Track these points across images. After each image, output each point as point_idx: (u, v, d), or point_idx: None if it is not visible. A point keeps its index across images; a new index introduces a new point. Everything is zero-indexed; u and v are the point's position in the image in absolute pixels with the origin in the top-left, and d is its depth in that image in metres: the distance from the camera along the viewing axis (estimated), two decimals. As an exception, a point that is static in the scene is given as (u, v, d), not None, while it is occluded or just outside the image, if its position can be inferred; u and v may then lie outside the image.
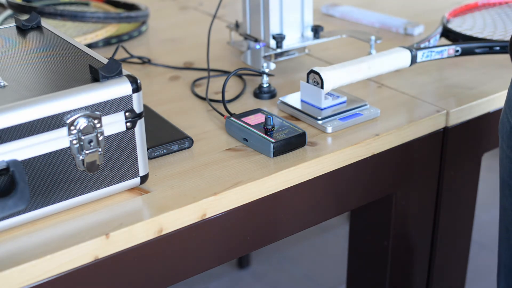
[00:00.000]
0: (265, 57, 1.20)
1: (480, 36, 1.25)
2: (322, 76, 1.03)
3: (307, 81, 1.06)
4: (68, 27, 1.41)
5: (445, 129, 1.10)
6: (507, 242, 0.96)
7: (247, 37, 1.26)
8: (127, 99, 0.82)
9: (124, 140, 0.84)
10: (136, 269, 0.85)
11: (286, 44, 1.21)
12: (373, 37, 1.25)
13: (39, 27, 1.00)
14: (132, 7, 1.49)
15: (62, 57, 0.90)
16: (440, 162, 1.12)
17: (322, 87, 1.03)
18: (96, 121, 0.80)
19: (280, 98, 1.09)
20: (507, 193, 0.94)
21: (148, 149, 0.92)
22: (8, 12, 1.46)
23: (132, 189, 0.88)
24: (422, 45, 1.18)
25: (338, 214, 1.06)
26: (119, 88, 0.81)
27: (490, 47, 1.18)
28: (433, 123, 1.07)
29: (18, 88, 0.81)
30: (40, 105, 0.77)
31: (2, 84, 0.82)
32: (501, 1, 1.44)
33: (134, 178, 0.86)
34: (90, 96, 0.79)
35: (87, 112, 0.79)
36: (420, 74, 1.21)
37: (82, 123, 0.79)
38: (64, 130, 0.79)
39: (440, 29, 1.26)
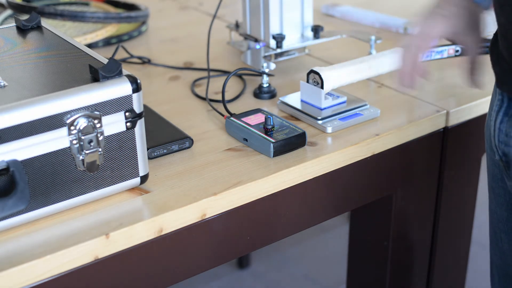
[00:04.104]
0: (265, 57, 1.20)
1: (480, 36, 1.25)
2: (322, 76, 1.03)
3: (307, 81, 1.06)
4: (68, 27, 1.41)
5: (445, 129, 1.10)
6: (496, 245, 0.96)
7: (247, 37, 1.26)
8: (127, 99, 0.82)
9: (124, 140, 0.84)
10: (136, 269, 0.85)
11: (286, 44, 1.21)
12: (373, 37, 1.25)
13: (39, 27, 1.00)
14: (132, 7, 1.49)
15: (62, 57, 0.90)
16: (440, 162, 1.12)
17: (322, 87, 1.03)
18: (96, 121, 0.80)
19: (280, 98, 1.09)
20: (492, 196, 0.94)
21: (148, 149, 0.92)
22: (8, 12, 1.46)
23: (132, 189, 0.88)
24: (422, 45, 1.18)
25: (338, 214, 1.06)
26: (119, 88, 0.81)
27: (490, 47, 1.18)
28: (433, 123, 1.07)
29: (18, 88, 0.81)
30: (40, 105, 0.77)
31: (2, 84, 0.82)
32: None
33: (134, 178, 0.86)
34: (90, 96, 0.79)
35: (87, 112, 0.79)
36: (420, 74, 1.21)
37: (82, 123, 0.79)
38: (64, 130, 0.79)
39: (440, 29, 1.26)
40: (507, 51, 0.83)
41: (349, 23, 1.50)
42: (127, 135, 0.84)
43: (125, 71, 0.82)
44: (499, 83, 0.87)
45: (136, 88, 0.82)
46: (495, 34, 0.86)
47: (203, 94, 1.15)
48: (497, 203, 0.93)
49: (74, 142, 0.80)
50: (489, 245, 0.99)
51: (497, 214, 0.93)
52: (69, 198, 0.82)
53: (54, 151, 0.79)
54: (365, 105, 1.06)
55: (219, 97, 1.10)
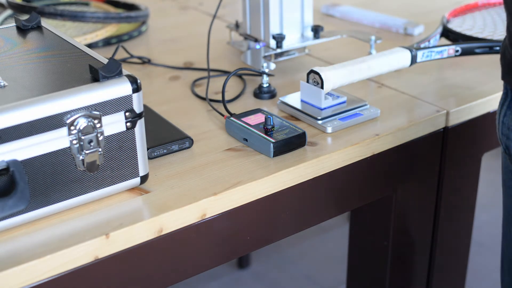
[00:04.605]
0: (265, 57, 1.20)
1: (480, 36, 1.25)
2: (322, 76, 1.03)
3: (307, 81, 1.06)
4: (68, 27, 1.41)
5: (445, 129, 1.10)
6: (506, 237, 0.97)
7: (247, 37, 1.26)
8: (127, 99, 0.82)
9: (124, 140, 0.84)
10: (136, 269, 0.85)
11: (286, 44, 1.21)
12: (373, 37, 1.25)
13: (39, 27, 1.00)
14: (132, 7, 1.49)
15: (62, 57, 0.90)
16: (440, 162, 1.12)
17: (322, 87, 1.03)
18: (96, 121, 0.80)
19: (280, 98, 1.09)
20: (504, 189, 0.95)
21: (148, 149, 0.92)
22: (8, 12, 1.46)
23: (132, 189, 0.88)
24: (422, 45, 1.18)
25: (338, 214, 1.06)
26: (119, 88, 0.81)
27: (490, 47, 1.18)
28: (433, 123, 1.07)
29: (18, 88, 0.81)
30: (40, 105, 0.77)
31: (2, 84, 0.82)
32: (501, 1, 1.44)
33: (134, 178, 0.86)
34: (90, 96, 0.79)
35: (87, 112, 0.79)
36: (420, 74, 1.21)
37: (82, 123, 0.79)
38: (64, 130, 0.79)
39: (440, 29, 1.26)
40: (509, 41, 0.85)
41: (349, 23, 1.50)
42: (127, 135, 0.84)
43: (125, 71, 0.82)
44: (502, 74, 0.89)
45: (136, 88, 0.82)
46: None
47: (203, 94, 1.15)
48: (508, 196, 0.93)
49: (74, 142, 0.80)
50: (502, 239, 1.00)
51: (508, 207, 0.94)
52: (69, 198, 0.82)
53: (54, 151, 0.79)
54: (365, 105, 1.06)
55: (219, 97, 1.10)
